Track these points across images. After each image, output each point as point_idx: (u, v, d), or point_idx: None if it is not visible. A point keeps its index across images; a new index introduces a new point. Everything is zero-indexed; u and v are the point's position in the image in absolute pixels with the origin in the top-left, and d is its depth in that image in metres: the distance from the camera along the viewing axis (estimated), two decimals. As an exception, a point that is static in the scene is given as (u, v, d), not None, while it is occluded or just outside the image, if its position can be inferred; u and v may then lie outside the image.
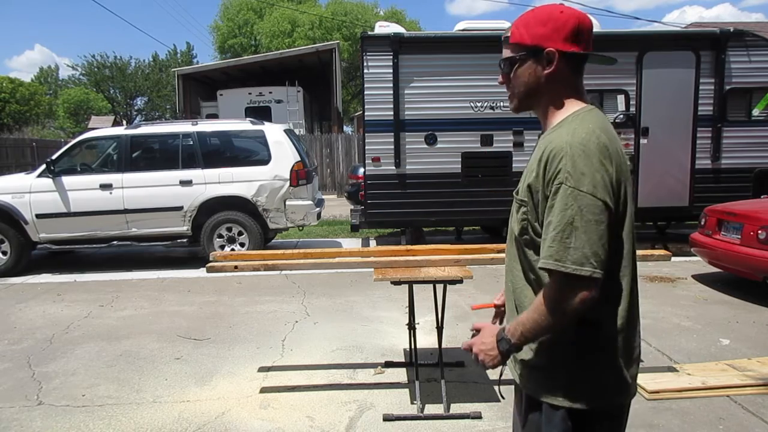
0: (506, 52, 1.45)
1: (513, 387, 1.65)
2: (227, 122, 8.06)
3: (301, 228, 8.01)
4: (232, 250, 7.30)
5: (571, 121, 1.37)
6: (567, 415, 1.37)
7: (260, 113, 15.01)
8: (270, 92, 17.24)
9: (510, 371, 1.56)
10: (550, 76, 1.39)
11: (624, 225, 1.35)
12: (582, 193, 1.25)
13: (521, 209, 1.41)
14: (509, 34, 1.44)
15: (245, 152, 7.71)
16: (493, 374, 3.73)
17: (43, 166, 7.23)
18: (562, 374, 1.38)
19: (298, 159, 7.49)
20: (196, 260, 7.52)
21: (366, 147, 7.55)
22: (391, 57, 7.32)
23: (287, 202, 7.40)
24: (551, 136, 1.37)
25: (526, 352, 1.43)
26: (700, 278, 6.29)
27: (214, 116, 16.51)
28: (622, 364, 1.38)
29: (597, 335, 1.36)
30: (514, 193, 1.47)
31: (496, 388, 3.43)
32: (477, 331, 1.50)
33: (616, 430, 1.44)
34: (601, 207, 1.26)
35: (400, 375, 3.79)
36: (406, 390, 3.55)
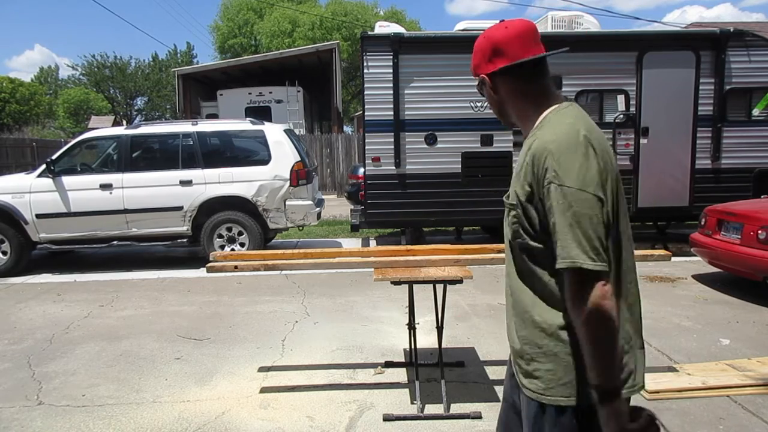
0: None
1: (502, 390, 1.64)
2: (227, 122, 8.05)
3: (301, 228, 8.01)
4: (232, 250, 7.30)
5: (549, 120, 1.40)
6: (573, 414, 1.37)
7: (260, 113, 15.01)
8: (270, 92, 17.24)
9: (515, 376, 1.54)
10: (505, 94, 1.47)
11: (619, 216, 1.35)
12: (571, 189, 1.27)
13: (511, 213, 1.43)
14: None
15: (245, 152, 7.71)
16: (493, 374, 3.74)
17: (43, 166, 7.23)
18: (567, 374, 1.37)
19: (298, 159, 7.49)
20: (196, 260, 7.52)
21: (366, 147, 7.55)
22: (391, 57, 7.32)
23: (287, 202, 7.40)
24: (532, 138, 1.40)
25: (529, 360, 1.42)
26: (700, 278, 6.29)
27: (214, 116, 16.52)
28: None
29: None
30: (504, 198, 1.48)
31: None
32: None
33: None
34: (592, 200, 1.27)
35: (400, 375, 3.79)
36: (406, 390, 3.55)
